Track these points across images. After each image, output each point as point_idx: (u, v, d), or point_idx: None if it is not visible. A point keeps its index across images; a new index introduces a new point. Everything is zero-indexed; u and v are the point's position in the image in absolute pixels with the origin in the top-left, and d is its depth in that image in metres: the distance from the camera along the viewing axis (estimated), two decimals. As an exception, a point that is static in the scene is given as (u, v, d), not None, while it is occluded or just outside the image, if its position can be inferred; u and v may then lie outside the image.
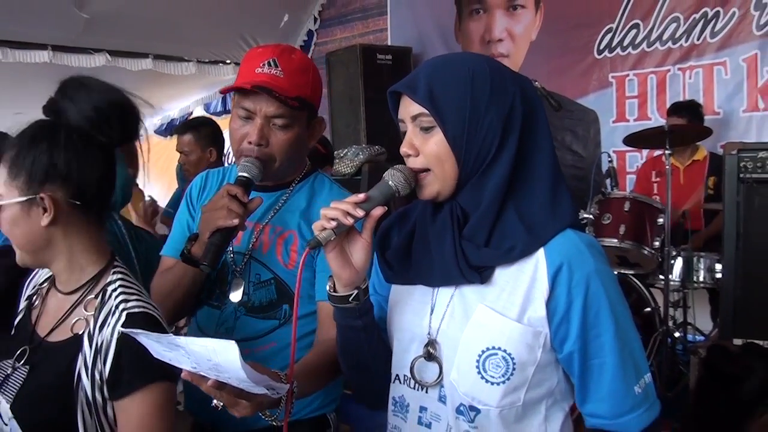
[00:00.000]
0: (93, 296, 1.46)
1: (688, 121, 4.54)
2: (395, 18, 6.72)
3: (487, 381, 1.22)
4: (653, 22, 5.11)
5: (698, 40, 4.94)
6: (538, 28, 5.71)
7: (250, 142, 1.67)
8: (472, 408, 1.25)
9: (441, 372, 1.28)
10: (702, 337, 4.44)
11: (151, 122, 8.54)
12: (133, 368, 1.37)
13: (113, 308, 1.42)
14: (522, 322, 1.21)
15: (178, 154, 4.03)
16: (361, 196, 1.24)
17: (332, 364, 1.52)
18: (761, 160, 3.26)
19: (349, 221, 1.22)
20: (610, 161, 4.33)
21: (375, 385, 1.42)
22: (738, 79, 4.81)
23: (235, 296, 1.75)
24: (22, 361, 1.45)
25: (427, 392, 1.31)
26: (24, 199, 1.41)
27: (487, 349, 1.22)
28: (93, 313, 1.44)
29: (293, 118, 1.69)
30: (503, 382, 1.21)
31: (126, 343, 1.36)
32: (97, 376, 1.39)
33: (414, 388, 1.33)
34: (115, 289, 1.45)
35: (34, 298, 1.57)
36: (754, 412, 1.93)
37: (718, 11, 4.85)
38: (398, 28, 6.67)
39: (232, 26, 6.32)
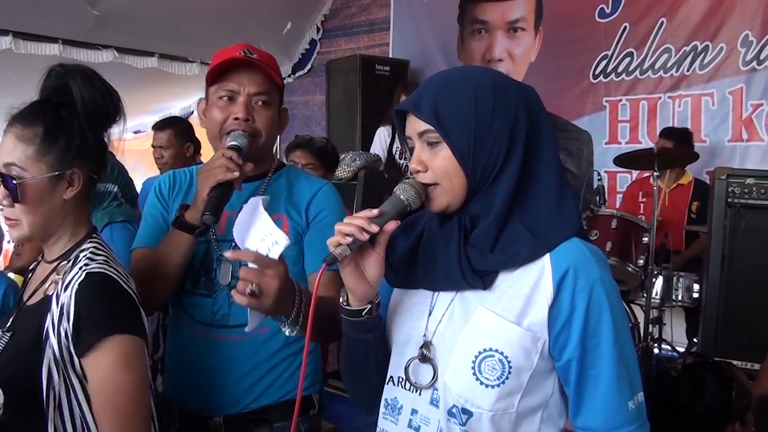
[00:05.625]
0: (66, 261, 1.50)
1: (674, 145, 4.64)
2: (398, 32, 6.76)
3: (481, 383, 1.20)
4: (646, 51, 5.25)
5: (688, 71, 5.09)
6: (537, 51, 5.81)
7: (236, 118, 1.72)
8: (464, 411, 1.22)
9: (435, 374, 1.26)
10: (675, 353, 4.51)
11: (151, 119, 8.50)
12: (90, 324, 1.38)
13: (78, 270, 1.45)
14: (521, 326, 1.20)
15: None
16: (375, 211, 1.23)
17: (328, 317, 1.51)
18: (749, 186, 3.32)
19: (365, 237, 1.21)
20: (600, 179, 4.38)
21: (376, 392, 1.40)
22: (724, 110, 4.96)
23: (224, 279, 1.74)
24: (7, 326, 1.52)
25: (420, 394, 1.29)
26: (55, 174, 1.46)
27: (484, 350, 1.20)
28: (62, 276, 1.47)
29: (272, 97, 1.78)
30: (498, 386, 1.19)
31: (83, 301, 1.40)
32: (63, 334, 1.40)
33: (408, 390, 1.31)
34: (85, 255, 1.49)
35: (29, 273, 1.65)
36: (719, 429, 1.93)
37: (707, 45, 5.00)
38: (401, 42, 6.72)
39: (237, 31, 6.22)
